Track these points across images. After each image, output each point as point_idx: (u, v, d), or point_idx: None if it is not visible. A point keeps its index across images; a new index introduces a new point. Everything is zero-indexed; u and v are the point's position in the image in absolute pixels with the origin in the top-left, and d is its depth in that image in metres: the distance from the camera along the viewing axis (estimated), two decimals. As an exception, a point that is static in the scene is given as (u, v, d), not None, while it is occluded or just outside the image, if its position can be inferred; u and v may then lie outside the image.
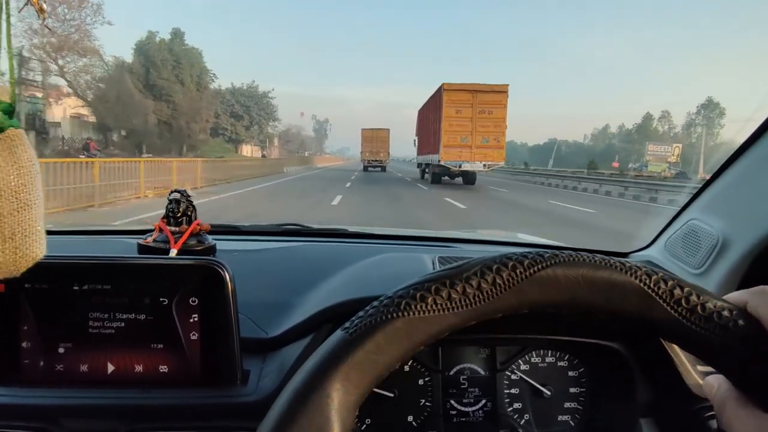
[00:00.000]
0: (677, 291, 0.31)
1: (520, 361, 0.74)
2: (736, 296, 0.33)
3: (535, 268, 0.31)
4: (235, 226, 1.15)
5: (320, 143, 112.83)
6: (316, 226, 1.18)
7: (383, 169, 34.78)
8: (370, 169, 34.40)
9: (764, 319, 0.30)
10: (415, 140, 25.35)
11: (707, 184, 0.82)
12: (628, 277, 0.31)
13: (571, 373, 0.75)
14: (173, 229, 0.79)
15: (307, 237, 1.15)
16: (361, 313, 0.31)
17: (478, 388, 0.73)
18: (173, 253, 0.75)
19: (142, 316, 0.58)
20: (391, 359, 0.31)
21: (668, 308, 0.31)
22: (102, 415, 0.56)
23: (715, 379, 0.33)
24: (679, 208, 0.89)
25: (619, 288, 0.31)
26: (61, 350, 0.58)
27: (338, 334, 0.31)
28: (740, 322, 0.30)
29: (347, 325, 0.31)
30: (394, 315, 0.30)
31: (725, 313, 0.30)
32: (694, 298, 0.30)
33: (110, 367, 0.58)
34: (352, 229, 1.19)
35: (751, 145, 0.72)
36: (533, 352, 0.75)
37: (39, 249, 0.37)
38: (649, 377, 0.66)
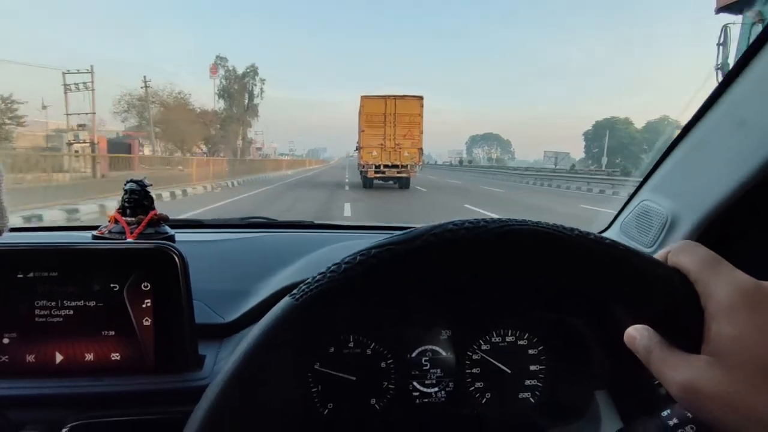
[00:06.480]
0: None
1: (481, 341, 0.75)
2: (661, 253, 0.34)
3: (479, 231, 0.32)
4: (197, 219, 1.14)
5: (228, 128, 41.65)
6: (281, 219, 1.18)
7: (403, 184, 16.47)
8: (377, 182, 16.48)
9: (683, 268, 0.32)
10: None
11: (656, 165, 0.85)
12: (569, 236, 0.32)
13: (530, 351, 0.76)
14: (129, 219, 0.77)
15: (271, 228, 1.14)
16: (308, 280, 0.32)
17: (440, 369, 0.74)
18: (129, 243, 0.73)
19: (92, 303, 0.57)
20: (338, 322, 0.32)
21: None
22: (51, 404, 0.55)
23: (634, 330, 0.34)
24: (632, 191, 0.92)
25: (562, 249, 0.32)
26: (5, 341, 0.56)
27: (286, 301, 0.32)
28: (673, 279, 0.32)
29: (295, 292, 0.32)
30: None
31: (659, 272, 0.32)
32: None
33: (59, 357, 0.57)
34: (318, 221, 1.19)
35: (693, 126, 0.75)
36: (494, 332, 0.76)
37: None
38: (602, 350, 0.68)
